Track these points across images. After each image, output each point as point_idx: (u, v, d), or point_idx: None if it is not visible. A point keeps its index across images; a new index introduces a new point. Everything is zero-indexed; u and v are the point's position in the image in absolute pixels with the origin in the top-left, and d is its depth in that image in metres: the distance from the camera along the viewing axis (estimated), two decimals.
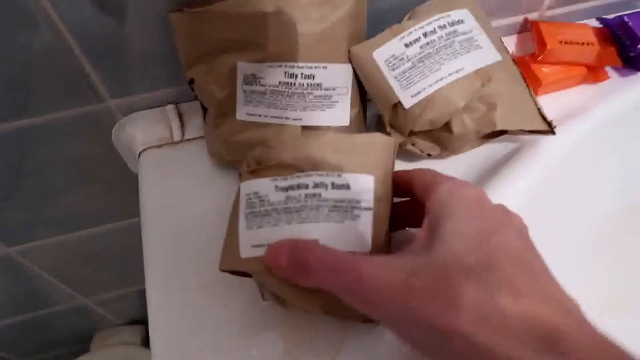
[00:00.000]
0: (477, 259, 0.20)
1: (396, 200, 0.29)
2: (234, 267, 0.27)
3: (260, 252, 0.26)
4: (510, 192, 0.34)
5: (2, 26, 0.30)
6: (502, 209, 0.24)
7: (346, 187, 0.25)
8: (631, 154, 0.40)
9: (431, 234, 0.22)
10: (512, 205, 0.27)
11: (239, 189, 0.27)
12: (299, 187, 0.25)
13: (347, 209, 0.25)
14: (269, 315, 0.31)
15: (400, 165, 0.28)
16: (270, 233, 0.25)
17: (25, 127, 0.38)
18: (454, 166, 0.37)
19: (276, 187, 0.26)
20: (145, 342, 0.79)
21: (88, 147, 0.43)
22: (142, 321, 0.81)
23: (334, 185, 0.25)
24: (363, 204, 0.26)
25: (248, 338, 0.30)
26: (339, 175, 0.26)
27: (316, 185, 0.25)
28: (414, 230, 0.32)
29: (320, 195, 0.25)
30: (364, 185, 0.26)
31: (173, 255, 0.34)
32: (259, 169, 0.27)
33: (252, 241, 0.26)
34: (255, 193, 0.26)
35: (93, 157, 0.44)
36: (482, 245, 0.20)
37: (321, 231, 0.25)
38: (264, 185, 0.26)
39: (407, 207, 0.29)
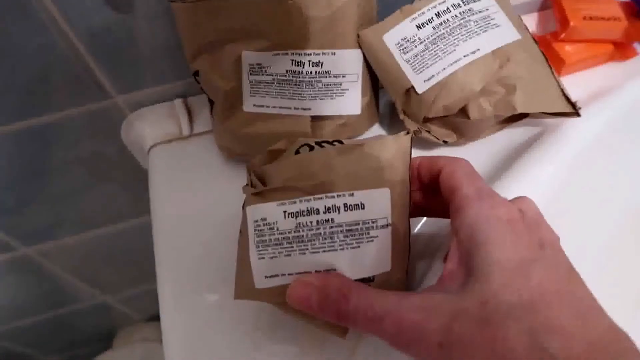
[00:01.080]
0: (519, 300, 0.19)
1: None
2: (250, 298, 0.25)
3: (275, 282, 0.25)
4: (533, 180, 0.32)
5: (4, 25, 0.30)
6: (533, 226, 0.22)
7: (360, 206, 0.24)
8: None
9: (465, 267, 0.21)
10: (536, 194, 0.26)
11: (244, 211, 0.26)
12: (309, 212, 0.24)
13: (363, 230, 0.24)
14: (281, 318, 0.30)
15: (416, 153, 0.26)
16: (285, 263, 0.24)
17: (34, 126, 0.38)
18: (472, 153, 0.34)
19: (285, 212, 0.24)
20: None
21: (99, 145, 0.42)
22: None
23: (347, 207, 0.24)
24: (380, 222, 0.24)
25: (262, 336, 0.30)
26: (351, 195, 0.24)
27: (327, 210, 0.24)
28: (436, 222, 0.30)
29: (332, 220, 0.24)
30: (380, 201, 0.24)
31: (184, 251, 0.34)
32: (264, 192, 0.25)
33: (266, 272, 0.25)
34: (264, 219, 0.24)
35: (105, 155, 0.44)
36: (522, 280, 0.19)
37: (338, 260, 0.24)
38: (272, 211, 0.24)
39: (429, 197, 0.27)
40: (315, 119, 0.33)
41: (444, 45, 0.31)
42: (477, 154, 0.35)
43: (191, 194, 0.36)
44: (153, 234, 0.35)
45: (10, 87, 0.34)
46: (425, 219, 0.33)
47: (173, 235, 0.35)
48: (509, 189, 0.32)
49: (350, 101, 0.34)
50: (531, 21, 0.43)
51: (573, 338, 0.17)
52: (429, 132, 0.34)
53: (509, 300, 0.19)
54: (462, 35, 0.31)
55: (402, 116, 0.34)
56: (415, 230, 0.32)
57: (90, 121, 0.39)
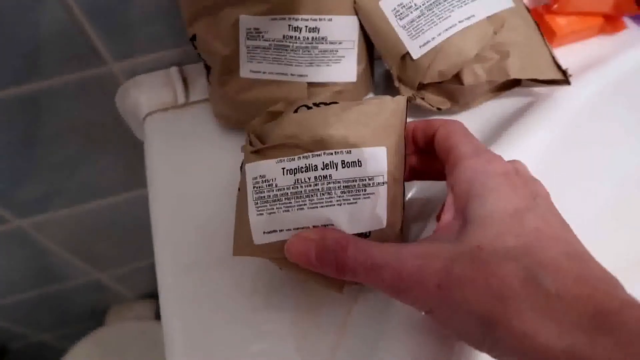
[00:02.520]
0: (515, 242, 0.19)
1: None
2: (249, 254, 0.26)
3: (273, 238, 0.25)
4: (524, 147, 0.33)
5: None
6: (527, 180, 0.23)
7: (357, 164, 0.24)
8: None
9: (462, 218, 0.22)
10: (527, 160, 0.27)
11: (243, 169, 0.26)
12: (307, 169, 0.24)
13: (360, 187, 0.24)
14: (278, 285, 0.30)
15: (411, 120, 0.27)
16: (283, 219, 0.25)
17: (27, 93, 0.37)
18: (466, 121, 0.34)
19: (283, 169, 0.25)
20: (159, 316, 0.79)
21: (95, 114, 0.42)
22: (156, 295, 0.82)
23: (345, 164, 0.24)
24: (376, 180, 0.25)
25: (259, 308, 0.30)
26: (348, 152, 0.24)
27: (326, 166, 0.24)
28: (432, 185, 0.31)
29: (330, 176, 0.24)
30: (377, 159, 0.25)
31: (181, 222, 0.34)
32: (263, 149, 0.25)
33: (265, 228, 0.25)
34: (262, 176, 0.25)
35: (100, 124, 0.44)
36: (517, 226, 0.20)
37: (335, 214, 0.24)
38: (271, 168, 0.25)
39: (424, 160, 0.28)
40: (311, 85, 0.34)
41: (439, 11, 0.32)
42: (470, 121, 0.35)
43: (188, 163, 0.36)
44: (149, 202, 0.35)
45: (2, 51, 0.33)
46: (418, 184, 0.33)
47: (170, 204, 0.35)
48: (502, 154, 0.32)
49: (346, 68, 0.34)
50: None
51: (565, 273, 0.18)
52: (423, 99, 0.34)
53: (505, 244, 0.19)
54: (457, 1, 0.32)
55: (397, 83, 0.34)
56: (410, 195, 0.33)
57: (85, 88, 0.39)
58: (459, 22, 0.31)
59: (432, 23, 0.32)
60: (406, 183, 0.27)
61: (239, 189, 0.27)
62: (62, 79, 0.37)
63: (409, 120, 0.27)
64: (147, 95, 0.39)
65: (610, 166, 0.37)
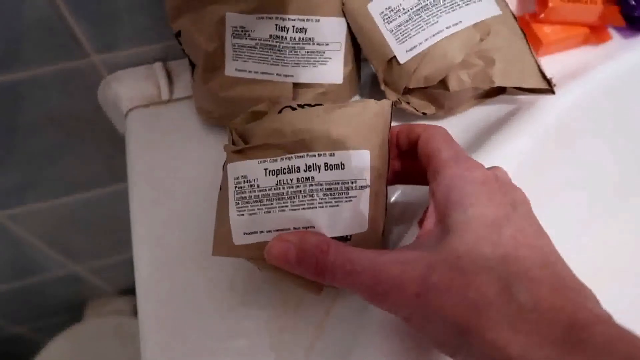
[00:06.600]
0: (492, 252, 0.20)
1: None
2: (228, 254, 0.26)
3: (254, 239, 0.25)
4: (506, 154, 0.33)
5: None
6: (507, 187, 0.23)
7: (340, 166, 0.24)
8: (632, 117, 0.39)
9: (442, 225, 0.22)
10: (508, 167, 0.27)
11: (225, 169, 0.26)
12: (290, 170, 0.24)
13: (342, 190, 0.24)
14: (255, 284, 0.30)
15: (395, 124, 0.27)
16: (264, 220, 0.25)
17: (6, 82, 0.36)
18: (450, 127, 0.35)
19: (266, 170, 0.24)
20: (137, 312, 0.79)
21: (76, 106, 0.41)
22: (134, 290, 0.81)
23: (327, 166, 0.24)
24: (359, 183, 0.24)
25: (236, 306, 0.30)
26: (332, 155, 0.24)
27: (308, 168, 0.24)
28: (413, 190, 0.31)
29: (312, 178, 0.24)
30: (360, 162, 0.24)
31: (161, 219, 0.33)
32: (245, 149, 0.25)
33: (245, 228, 0.25)
34: (244, 177, 0.25)
35: (81, 117, 0.43)
36: (495, 236, 0.20)
37: (317, 217, 0.24)
38: (253, 168, 0.25)
39: (407, 165, 0.28)
40: (297, 86, 0.34)
41: (427, 16, 0.32)
42: (454, 127, 0.35)
43: (169, 160, 0.36)
44: (129, 197, 0.35)
45: None
46: (401, 188, 0.33)
47: (150, 200, 0.34)
48: (484, 161, 0.32)
49: (332, 70, 0.34)
50: (510, 1, 0.43)
51: (539, 284, 0.19)
52: (408, 103, 0.34)
53: (482, 253, 0.19)
54: (445, 7, 0.32)
55: (383, 86, 0.34)
56: (392, 199, 0.33)
57: (65, 80, 0.38)
58: (446, 28, 0.31)
59: (420, 28, 0.31)
60: (389, 187, 0.27)
61: (220, 188, 0.27)
62: (42, 69, 0.36)
63: (393, 124, 0.27)
64: (130, 90, 0.38)
65: (591, 174, 0.37)
